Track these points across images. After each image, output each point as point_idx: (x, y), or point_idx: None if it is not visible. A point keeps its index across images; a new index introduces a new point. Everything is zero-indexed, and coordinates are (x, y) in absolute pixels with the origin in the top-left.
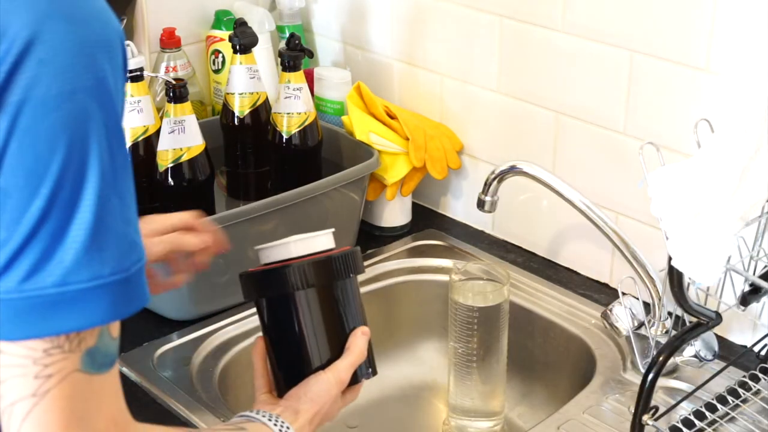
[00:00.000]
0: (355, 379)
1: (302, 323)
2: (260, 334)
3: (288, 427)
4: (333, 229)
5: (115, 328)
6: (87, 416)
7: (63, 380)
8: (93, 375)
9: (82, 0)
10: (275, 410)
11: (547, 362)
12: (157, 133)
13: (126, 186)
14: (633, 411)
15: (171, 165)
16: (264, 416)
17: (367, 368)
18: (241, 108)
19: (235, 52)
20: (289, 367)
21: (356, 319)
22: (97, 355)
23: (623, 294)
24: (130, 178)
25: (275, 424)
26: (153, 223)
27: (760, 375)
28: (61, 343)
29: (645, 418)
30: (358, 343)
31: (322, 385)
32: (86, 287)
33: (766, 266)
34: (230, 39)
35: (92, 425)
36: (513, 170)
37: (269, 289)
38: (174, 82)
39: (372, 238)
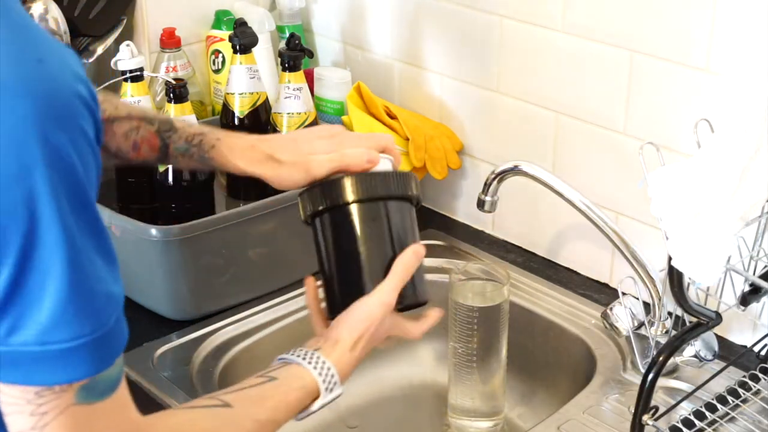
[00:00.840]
0: (401, 302)
1: (355, 239)
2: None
3: (324, 362)
4: (391, 157)
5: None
6: None
7: (60, 414)
8: (94, 403)
9: (32, 66)
10: (316, 344)
11: (547, 362)
12: None
13: (98, 245)
14: (633, 411)
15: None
16: (299, 355)
17: (413, 292)
18: (241, 108)
19: (235, 52)
20: (340, 288)
21: (411, 244)
22: (95, 387)
23: (623, 294)
24: (100, 236)
25: (310, 362)
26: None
27: (760, 375)
28: (51, 387)
29: (645, 418)
30: (405, 262)
31: (364, 309)
32: (67, 347)
33: (766, 266)
34: (230, 39)
35: None
36: (513, 170)
37: (326, 200)
38: (174, 82)
39: None
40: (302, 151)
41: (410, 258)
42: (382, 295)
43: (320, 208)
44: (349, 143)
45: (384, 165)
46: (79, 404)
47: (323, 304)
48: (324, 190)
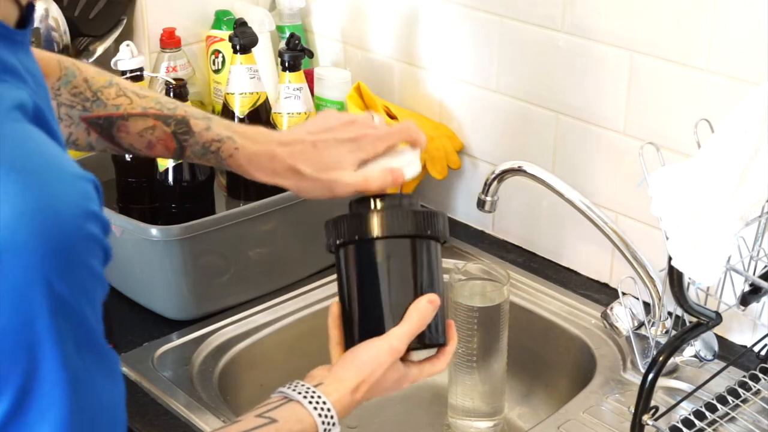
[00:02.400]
0: (413, 345)
1: (377, 276)
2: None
3: (324, 402)
4: (417, 150)
5: None
6: None
7: None
8: None
9: (38, 214)
10: (320, 378)
11: (547, 362)
12: None
13: (100, 365)
14: (633, 411)
15: (171, 165)
16: (300, 393)
17: (428, 334)
18: (241, 108)
19: (235, 52)
20: (360, 324)
21: (431, 288)
22: None
23: (623, 294)
24: (102, 356)
25: (310, 402)
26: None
27: (760, 375)
28: None
29: (645, 418)
30: (419, 310)
31: (371, 353)
32: None
33: (766, 266)
34: (230, 39)
35: None
36: (513, 170)
37: (351, 233)
38: (174, 82)
39: None
40: (325, 163)
41: (425, 307)
42: (393, 340)
43: (344, 240)
44: (372, 147)
45: (409, 158)
46: None
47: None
48: (350, 223)
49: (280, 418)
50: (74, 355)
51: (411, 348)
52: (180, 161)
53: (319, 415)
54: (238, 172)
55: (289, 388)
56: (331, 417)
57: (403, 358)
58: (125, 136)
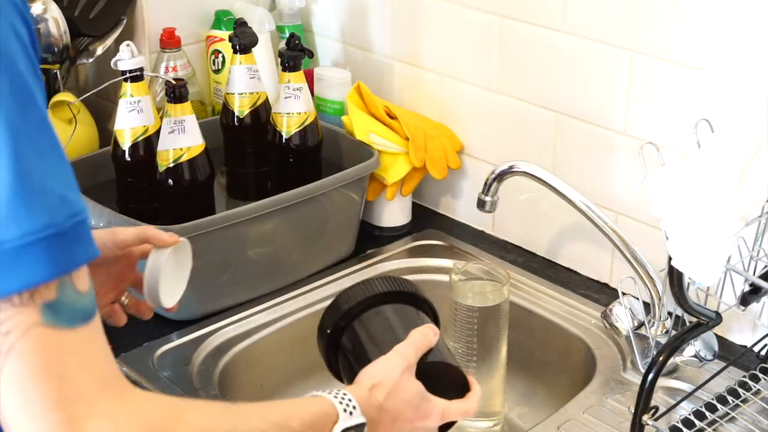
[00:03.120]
0: (425, 358)
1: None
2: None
3: (340, 390)
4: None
5: (80, 281)
6: (69, 375)
7: (24, 335)
8: (64, 330)
9: None
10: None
11: (547, 362)
12: (157, 133)
13: (45, 143)
14: (633, 411)
15: (171, 165)
16: (325, 391)
17: (437, 352)
18: (241, 108)
19: (235, 52)
20: None
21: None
22: (62, 309)
23: (623, 294)
24: (49, 136)
25: (324, 391)
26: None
27: (760, 375)
28: (10, 298)
29: (645, 418)
30: (421, 330)
31: (380, 362)
32: (18, 245)
33: (766, 266)
34: (230, 39)
35: (79, 385)
36: (513, 170)
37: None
38: (174, 82)
39: (372, 238)
40: None
41: (426, 329)
42: (398, 348)
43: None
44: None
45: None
46: (46, 325)
47: None
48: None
49: (298, 400)
50: (16, 114)
51: (424, 365)
52: (180, 161)
53: (335, 397)
54: None
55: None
56: (350, 401)
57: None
58: None
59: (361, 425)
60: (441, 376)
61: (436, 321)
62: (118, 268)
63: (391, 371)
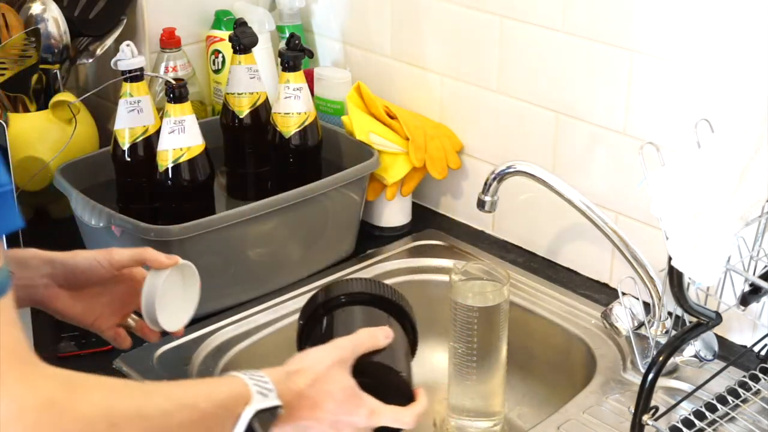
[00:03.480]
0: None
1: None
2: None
3: (256, 372)
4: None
5: None
6: None
7: None
8: None
9: None
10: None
11: (547, 362)
12: (157, 133)
13: None
14: (633, 411)
15: (171, 165)
16: (242, 372)
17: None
18: (241, 108)
19: (235, 52)
20: None
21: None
22: None
23: (623, 294)
24: None
25: (244, 373)
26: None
27: (760, 375)
28: None
29: (645, 418)
30: (369, 329)
31: (313, 350)
32: None
33: (766, 266)
34: (230, 39)
35: None
36: (513, 170)
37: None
38: (174, 82)
39: (372, 238)
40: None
41: (376, 330)
42: (338, 340)
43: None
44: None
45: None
46: None
47: None
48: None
49: (211, 380)
50: None
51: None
52: (180, 161)
53: (250, 378)
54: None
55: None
56: (265, 382)
57: None
58: None
59: (276, 408)
60: (383, 380)
61: (413, 340)
62: (121, 291)
63: (320, 361)
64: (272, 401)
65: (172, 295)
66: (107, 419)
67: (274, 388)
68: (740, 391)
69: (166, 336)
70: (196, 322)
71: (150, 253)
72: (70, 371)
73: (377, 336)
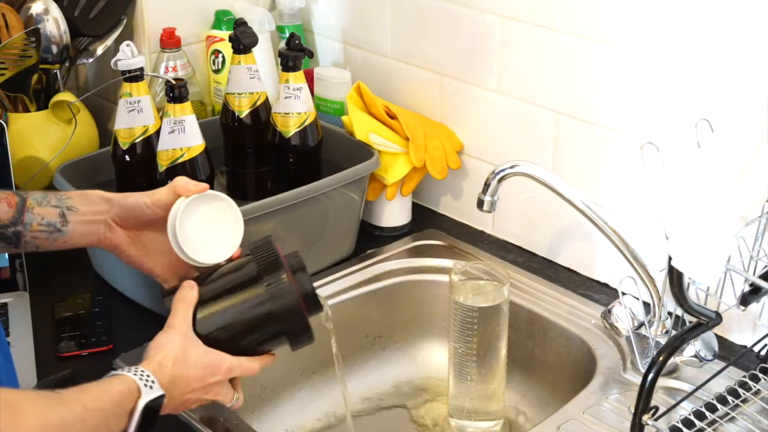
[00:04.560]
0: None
1: None
2: None
3: (136, 367)
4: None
5: None
6: None
7: None
8: None
9: None
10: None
11: (547, 362)
12: (157, 133)
13: None
14: (633, 411)
15: (171, 165)
16: (125, 370)
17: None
18: (241, 108)
19: (235, 52)
20: None
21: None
22: None
23: (623, 294)
24: None
25: (128, 371)
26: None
27: (760, 375)
28: None
29: (645, 418)
30: (178, 294)
31: (161, 336)
32: None
33: (766, 266)
34: (230, 39)
35: None
36: (513, 170)
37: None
38: (174, 82)
39: (372, 238)
40: None
41: (182, 290)
42: (170, 320)
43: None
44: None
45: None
46: None
47: None
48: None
49: (100, 380)
50: None
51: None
52: (180, 161)
53: (135, 374)
54: (78, 201)
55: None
56: (147, 376)
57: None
58: None
59: (161, 397)
60: (224, 340)
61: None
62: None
63: (173, 341)
64: (157, 391)
65: (205, 226)
66: None
67: (156, 380)
68: (740, 391)
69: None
70: None
71: (180, 181)
72: (3, 394)
73: (187, 295)
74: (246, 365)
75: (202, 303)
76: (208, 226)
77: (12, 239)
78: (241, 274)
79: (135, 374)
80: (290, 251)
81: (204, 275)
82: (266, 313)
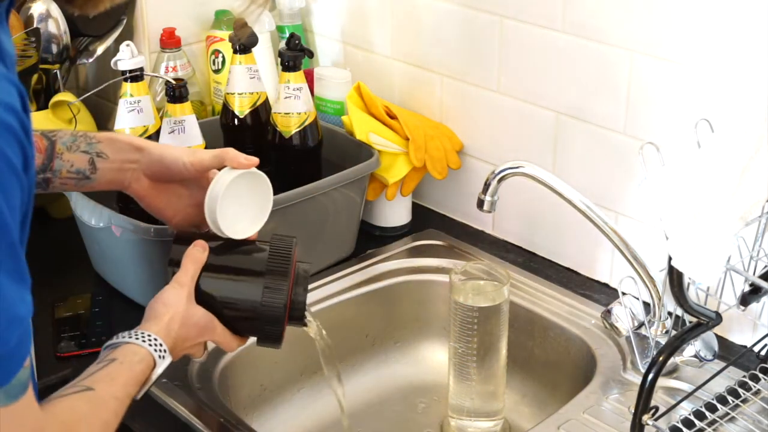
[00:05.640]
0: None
1: None
2: None
3: (150, 335)
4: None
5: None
6: None
7: None
8: (8, 406)
9: None
10: (139, 326)
11: (547, 362)
12: (157, 133)
13: (11, 268)
14: (633, 411)
15: None
16: (125, 337)
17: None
18: (241, 108)
19: (235, 52)
20: None
21: None
22: (11, 390)
23: (623, 294)
24: (15, 258)
25: (138, 338)
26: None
27: (760, 375)
28: None
29: (645, 418)
30: (188, 254)
31: (166, 292)
32: None
33: (766, 266)
34: (230, 39)
35: None
36: (513, 170)
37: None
38: (174, 82)
39: (372, 238)
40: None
41: (192, 249)
42: (177, 278)
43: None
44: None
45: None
46: None
47: None
48: None
49: (118, 356)
50: None
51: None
52: None
53: (150, 345)
54: (107, 148)
55: (112, 340)
56: (160, 345)
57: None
58: None
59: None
60: (211, 306)
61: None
62: (203, 197)
63: (179, 301)
64: (167, 360)
65: (239, 201)
66: None
67: (166, 348)
68: (740, 391)
69: None
70: None
71: (230, 153)
72: (56, 412)
73: (196, 255)
74: (229, 338)
75: (206, 267)
76: (241, 202)
77: (41, 185)
78: (250, 261)
79: (151, 345)
80: (305, 260)
81: (216, 241)
82: (252, 309)
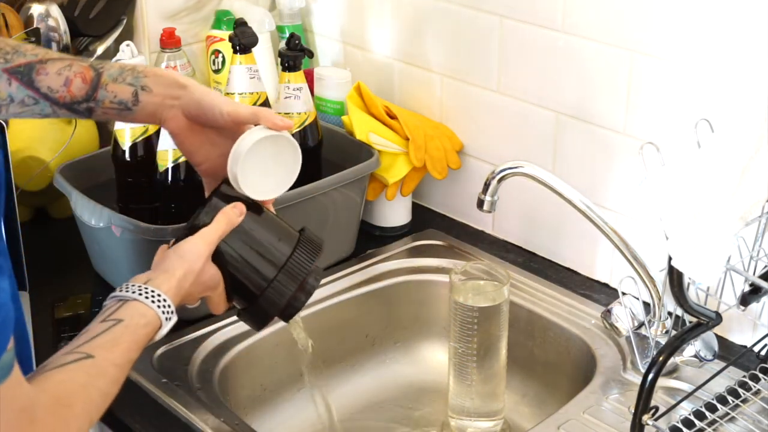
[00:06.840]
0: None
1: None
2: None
3: (159, 294)
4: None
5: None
6: None
7: None
8: None
9: None
10: (150, 276)
11: (547, 362)
12: (157, 133)
13: None
14: (633, 411)
15: (171, 165)
16: (135, 291)
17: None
18: None
19: (235, 52)
20: None
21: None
22: None
23: (623, 294)
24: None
25: (147, 297)
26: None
27: (760, 375)
28: None
29: (645, 418)
30: (225, 212)
31: (189, 245)
32: None
33: (766, 266)
34: (230, 39)
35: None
36: (513, 170)
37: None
38: None
39: (372, 238)
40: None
41: (229, 209)
42: (204, 234)
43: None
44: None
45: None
46: None
47: None
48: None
49: (124, 317)
50: None
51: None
52: (180, 161)
53: (159, 307)
54: (152, 83)
55: (121, 291)
56: (168, 306)
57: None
58: (44, 78)
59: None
60: (220, 264)
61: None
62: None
63: (198, 257)
64: (173, 321)
65: (264, 162)
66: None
67: (174, 309)
68: (740, 391)
69: (168, 333)
70: (195, 322)
71: (265, 112)
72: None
73: (231, 216)
74: (222, 302)
75: (237, 229)
76: (266, 163)
77: (84, 113)
78: (273, 247)
79: (159, 307)
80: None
81: (251, 209)
82: (253, 291)
